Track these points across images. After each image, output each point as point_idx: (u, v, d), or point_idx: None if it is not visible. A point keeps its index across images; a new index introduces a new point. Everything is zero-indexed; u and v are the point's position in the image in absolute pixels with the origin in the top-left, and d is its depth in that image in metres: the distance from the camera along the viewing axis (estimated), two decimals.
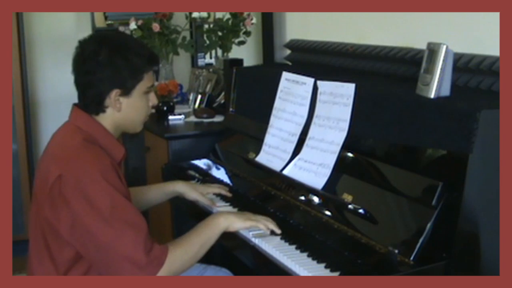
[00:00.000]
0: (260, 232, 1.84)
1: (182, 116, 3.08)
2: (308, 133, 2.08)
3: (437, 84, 1.71)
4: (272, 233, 1.84)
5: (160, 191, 2.17)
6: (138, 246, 1.58)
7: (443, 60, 1.70)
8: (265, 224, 1.83)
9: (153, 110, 1.98)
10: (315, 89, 2.12)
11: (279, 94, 2.29)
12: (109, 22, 4.14)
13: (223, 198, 2.21)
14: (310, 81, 2.15)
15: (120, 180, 1.66)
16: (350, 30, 2.62)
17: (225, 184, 2.33)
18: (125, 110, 1.74)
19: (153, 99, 1.80)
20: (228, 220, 1.78)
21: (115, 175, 1.64)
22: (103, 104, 1.71)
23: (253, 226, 1.82)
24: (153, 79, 1.80)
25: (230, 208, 2.12)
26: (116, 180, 1.63)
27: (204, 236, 1.73)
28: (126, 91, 1.72)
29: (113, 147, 1.73)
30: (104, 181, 1.59)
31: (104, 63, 1.67)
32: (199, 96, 3.34)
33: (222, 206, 2.14)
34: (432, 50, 1.74)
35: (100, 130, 1.72)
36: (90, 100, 1.71)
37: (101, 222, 1.57)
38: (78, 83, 1.73)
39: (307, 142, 2.07)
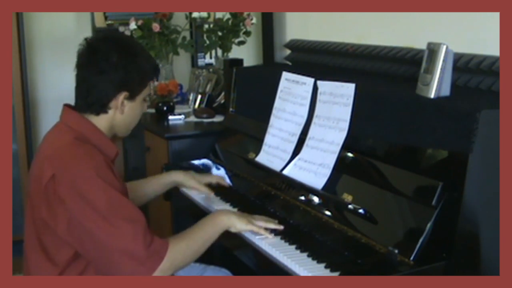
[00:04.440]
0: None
1: (182, 116, 3.08)
2: (308, 133, 2.08)
3: (437, 84, 1.71)
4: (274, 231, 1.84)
5: (158, 183, 2.20)
6: (137, 240, 1.57)
7: (443, 60, 1.70)
8: (265, 228, 1.82)
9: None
10: (315, 89, 2.12)
11: (279, 94, 2.29)
12: (109, 22, 4.13)
13: (223, 198, 2.21)
14: (310, 81, 2.15)
15: (115, 176, 1.65)
16: (350, 30, 2.61)
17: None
18: (126, 114, 1.76)
19: (144, 108, 1.85)
20: (231, 220, 1.78)
21: (109, 171, 1.63)
22: (108, 105, 1.72)
23: (253, 231, 1.82)
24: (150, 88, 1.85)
25: (230, 208, 2.12)
26: (110, 176, 1.62)
27: (206, 233, 1.73)
28: (133, 95, 1.75)
29: (106, 146, 1.73)
30: (98, 178, 1.58)
31: (118, 65, 1.69)
32: (199, 96, 3.34)
33: (221, 206, 2.14)
34: (432, 50, 1.74)
35: (92, 129, 1.72)
36: (95, 99, 1.71)
37: (98, 219, 1.56)
38: (85, 81, 1.71)
39: (307, 142, 2.07)
